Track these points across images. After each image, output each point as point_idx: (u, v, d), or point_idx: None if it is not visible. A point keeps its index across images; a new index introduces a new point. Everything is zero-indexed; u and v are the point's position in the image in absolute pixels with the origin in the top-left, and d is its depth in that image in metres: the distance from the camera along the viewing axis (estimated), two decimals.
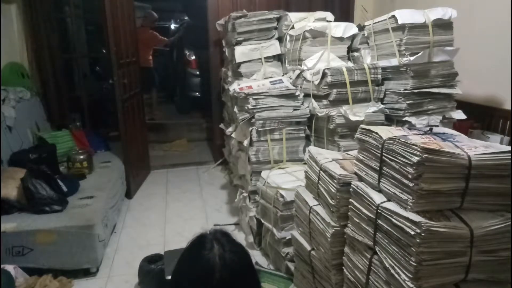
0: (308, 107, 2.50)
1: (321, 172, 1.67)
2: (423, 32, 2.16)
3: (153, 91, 5.99)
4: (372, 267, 1.34)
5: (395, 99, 2.29)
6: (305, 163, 2.07)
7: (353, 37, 2.66)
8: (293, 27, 2.89)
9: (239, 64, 3.07)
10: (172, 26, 7.83)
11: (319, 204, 1.72)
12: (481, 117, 2.56)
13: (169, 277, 0.98)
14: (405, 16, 2.15)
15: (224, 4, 3.89)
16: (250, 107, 2.47)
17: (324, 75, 2.30)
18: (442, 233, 1.10)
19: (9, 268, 2.10)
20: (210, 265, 0.85)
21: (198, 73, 5.91)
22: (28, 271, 2.24)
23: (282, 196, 2.18)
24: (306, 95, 2.53)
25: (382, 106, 2.30)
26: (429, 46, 2.16)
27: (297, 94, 2.52)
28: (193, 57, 5.98)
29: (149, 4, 6.03)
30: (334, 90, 2.28)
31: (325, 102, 2.34)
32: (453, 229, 1.11)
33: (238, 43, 3.08)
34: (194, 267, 0.88)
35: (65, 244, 2.29)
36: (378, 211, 1.27)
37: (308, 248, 1.80)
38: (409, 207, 1.15)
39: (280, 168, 2.52)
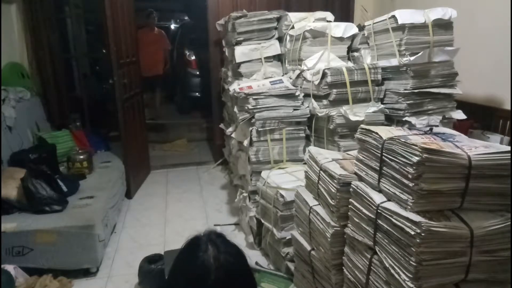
0: (308, 107, 2.50)
1: (321, 172, 1.67)
2: (423, 32, 2.16)
3: (157, 91, 5.81)
4: (372, 267, 1.34)
5: (395, 99, 2.29)
6: (305, 163, 2.07)
7: (353, 37, 2.66)
8: (293, 27, 2.89)
9: (239, 64, 3.07)
10: (172, 26, 7.83)
11: (319, 204, 1.72)
12: (481, 117, 2.56)
13: None
14: (405, 16, 2.15)
15: (224, 4, 3.89)
16: (250, 107, 2.47)
17: (324, 75, 2.30)
18: (442, 233, 1.10)
19: (9, 268, 2.10)
20: (205, 267, 0.84)
21: (198, 73, 5.90)
22: (28, 271, 2.24)
23: (282, 196, 2.18)
24: (306, 95, 2.53)
25: (382, 106, 2.30)
26: (429, 46, 2.16)
27: (297, 94, 2.52)
28: (193, 57, 5.97)
29: (149, 4, 5.96)
30: (334, 90, 2.28)
31: (325, 102, 2.34)
32: (453, 229, 1.11)
33: (238, 43, 3.08)
34: (189, 269, 0.87)
35: (65, 244, 2.29)
36: (378, 211, 1.27)
37: (308, 248, 1.80)
38: (409, 207, 1.15)
39: (280, 168, 2.52)
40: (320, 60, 2.51)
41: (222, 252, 0.87)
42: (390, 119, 2.35)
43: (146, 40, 5.29)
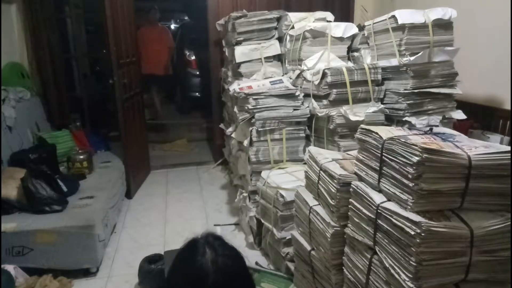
0: (308, 107, 2.50)
1: (321, 172, 1.67)
2: (423, 32, 2.16)
3: (158, 91, 5.70)
4: (372, 267, 1.34)
5: (395, 99, 2.29)
6: (305, 163, 2.07)
7: (353, 37, 2.66)
8: (293, 27, 2.88)
9: (239, 64, 3.07)
10: (172, 26, 7.83)
11: (319, 204, 1.72)
12: (481, 117, 2.56)
13: None
14: (405, 16, 2.15)
15: (224, 4, 3.89)
16: (250, 107, 2.47)
17: (324, 75, 2.30)
18: (442, 233, 1.10)
19: (9, 268, 2.10)
20: (203, 270, 0.84)
21: (198, 73, 5.90)
22: (28, 271, 2.24)
23: (282, 196, 2.18)
24: (306, 95, 2.53)
25: (382, 106, 2.30)
26: (429, 46, 2.16)
27: (297, 94, 2.52)
28: (193, 57, 5.97)
29: (149, 4, 5.90)
30: (334, 90, 2.28)
31: (325, 102, 2.34)
32: (453, 229, 1.11)
33: (238, 43, 3.08)
34: (187, 272, 0.87)
35: (65, 244, 2.29)
36: (378, 211, 1.27)
37: (308, 248, 1.80)
38: (409, 207, 1.15)
39: (280, 168, 2.51)
40: (320, 60, 2.51)
41: (220, 255, 0.87)
42: (390, 119, 2.35)
43: (149, 37, 5.17)
